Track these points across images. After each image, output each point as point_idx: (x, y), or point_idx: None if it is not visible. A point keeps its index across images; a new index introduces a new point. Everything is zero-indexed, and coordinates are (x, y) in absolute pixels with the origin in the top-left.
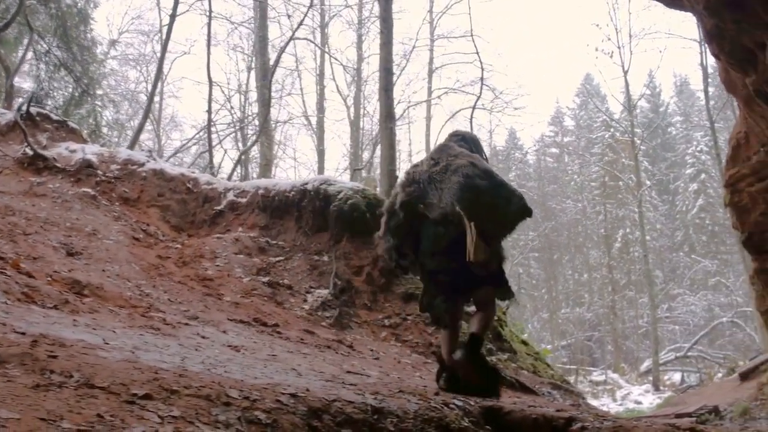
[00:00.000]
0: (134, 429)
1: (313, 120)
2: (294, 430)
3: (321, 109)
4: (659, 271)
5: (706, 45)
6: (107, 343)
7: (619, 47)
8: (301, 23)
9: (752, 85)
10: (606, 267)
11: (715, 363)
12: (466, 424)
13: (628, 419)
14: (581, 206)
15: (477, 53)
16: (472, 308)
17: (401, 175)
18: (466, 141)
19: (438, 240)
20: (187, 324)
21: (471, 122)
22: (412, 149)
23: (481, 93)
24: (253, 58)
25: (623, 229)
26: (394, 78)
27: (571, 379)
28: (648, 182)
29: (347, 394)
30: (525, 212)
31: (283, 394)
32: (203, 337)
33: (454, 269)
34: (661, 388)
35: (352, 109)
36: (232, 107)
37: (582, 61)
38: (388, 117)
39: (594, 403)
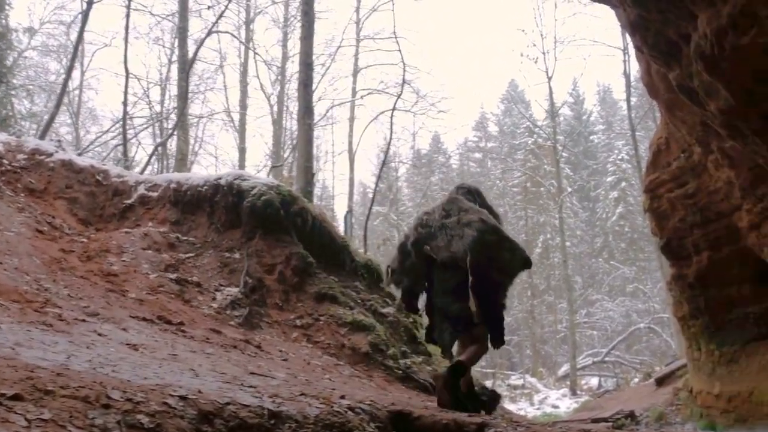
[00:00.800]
0: None
1: (236, 117)
2: None
3: (244, 106)
4: (578, 277)
5: (629, 37)
6: None
7: (543, 53)
8: (221, 15)
9: (675, 79)
10: (526, 272)
11: (631, 368)
12: (371, 430)
13: (542, 424)
14: (503, 211)
15: (400, 52)
16: None
17: (415, 217)
18: (471, 194)
19: (446, 282)
20: (84, 321)
21: (391, 123)
22: (335, 149)
23: (401, 92)
24: (174, 51)
25: (544, 235)
26: (318, 77)
27: (490, 383)
28: (569, 189)
29: (244, 396)
30: (526, 264)
31: (172, 396)
32: (100, 335)
33: (459, 308)
34: (579, 392)
35: (275, 108)
36: (150, 101)
37: (507, 66)
38: (306, 113)
39: (511, 407)
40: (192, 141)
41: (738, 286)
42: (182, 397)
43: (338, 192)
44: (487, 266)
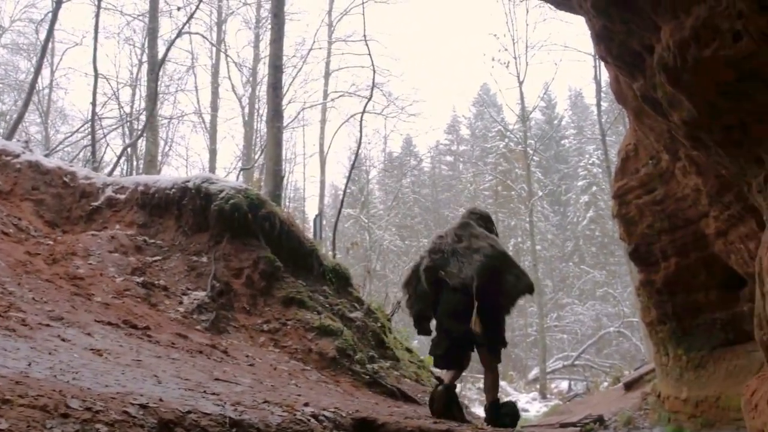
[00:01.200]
0: None
1: (207, 118)
2: None
3: (215, 107)
4: (549, 281)
5: (595, 48)
6: None
7: (515, 58)
8: (191, 16)
9: (639, 90)
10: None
11: (601, 372)
12: None
13: (509, 430)
14: None
15: (369, 55)
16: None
17: (429, 241)
18: (483, 219)
19: (455, 305)
20: (48, 325)
21: (360, 126)
22: (306, 151)
23: (371, 96)
24: (145, 51)
25: (515, 239)
26: (290, 78)
27: (460, 385)
28: (540, 193)
29: (206, 405)
30: (529, 289)
31: (132, 404)
32: (63, 340)
33: (464, 330)
34: (549, 396)
35: (246, 109)
36: (120, 102)
37: (479, 70)
38: (275, 116)
39: (481, 410)
40: (162, 142)
41: (705, 292)
42: (143, 406)
43: (309, 194)
44: (492, 290)
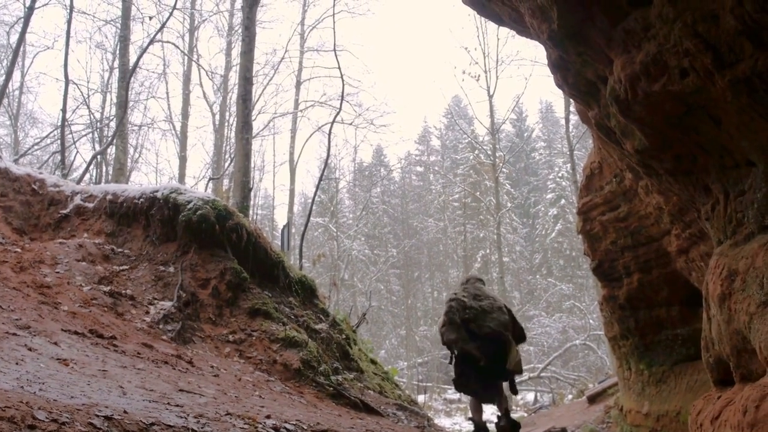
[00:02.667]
0: None
1: (177, 125)
2: None
3: (185, 115)
4: (517, 292)
5: (553, 76)
6: None
7: (486, 71)
8: (163, 26)
9: (594, 118)
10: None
11: (567, 384)
12: None
13: None
14: (443, 225)
15: (339, 68)
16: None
17: (455, 299)
18: (481, 281)
19: (485, 348)
20: (15, 334)
21: (329, 137)
22: (276, 160)
23: (341, 107)
24: (116, 57)
25: (483, 250)
26: (261, 87)
27: (426, 396)
28: (509, 204)
29: (169, 417)
30: (525, 338)
31: (98, 416)
32: (30, 349)
33: (486, 366)
34: (515, 407)
35: (217, 117)
36: (90, 108)
37: (451, 82)
38: (244, 127)
39: (446, 421)
40: (132, 149)
41: (667, 308)
42: (107, 418)
43: (279, 202)
44: (514, 335)
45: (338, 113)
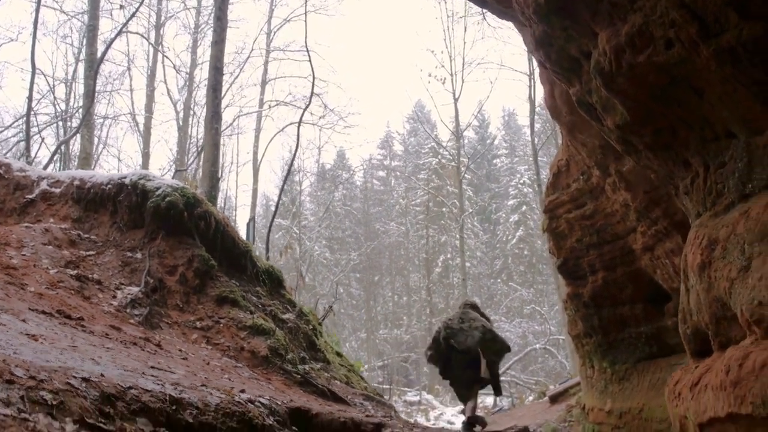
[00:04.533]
0: None
1: (141, 120)
2: (83, 414)
3: (150, 110)
4: (477, 298)
5: (534, 53)
6: None
7: (452, 74)
8: (133, 15)
9: (575, 95)
10: (426, 290)
11: (527, 388)
12: (270, 422)
13: (439, 428)
14: (404, 229)
15: (310, 61)
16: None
17: (443, 322)
18: (474, 307)
19: (462, 360)
20: None
21: (297, 135)
22: (239, 160)
23: (309, 103)
24: (82, 49)
25: (444, 255)
26: (227, 86)
27: (386, 398)
28: (470, 210)
29: (146, 383)
30: (508, 349)
31: (75, 377)
32: None
33: (467, 375)
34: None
35: (181, 114)
36: (55, 98)
37: (415, 86)
38: (214, 117)
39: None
40: (95, 142)
41: (631, 305)
42: (85, 379)
43: (241, 203)
44: (487, 352)
45: (306, 109)
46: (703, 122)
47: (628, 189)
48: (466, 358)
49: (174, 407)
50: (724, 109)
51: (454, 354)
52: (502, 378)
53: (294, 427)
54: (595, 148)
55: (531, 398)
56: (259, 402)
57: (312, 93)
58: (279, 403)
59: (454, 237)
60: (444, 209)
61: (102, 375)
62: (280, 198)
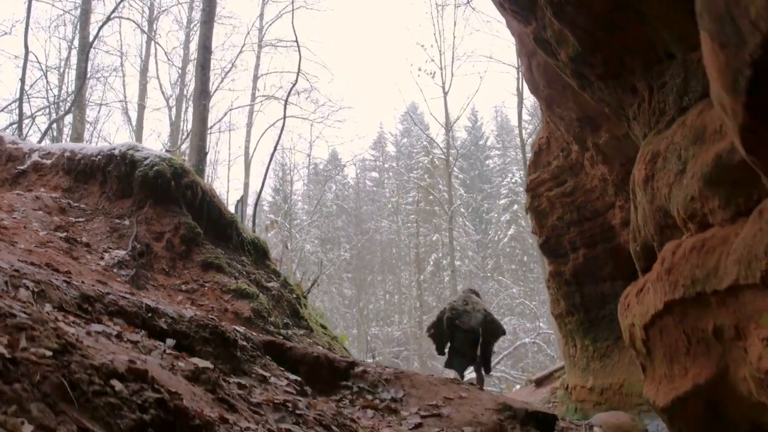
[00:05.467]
0: None
1: (133, 116)
2: (62, 304)
3: (142, 106)
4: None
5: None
6: None
7: (441, 68)
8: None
9: (533, 33)
10: (416, 285)
11: (516, 383)
12: (243, 342)
13: (413, 372)
14: (396, 227)
15: (296, 40)
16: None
17: (449, 304)
18: (475, 293)
19: (464, 340)
20: None
21: (284, 113)
22: (231, 153)
23: (297, 79)
24: (75, 38)
25: (436, 253)
26: (219, 80)
27: None
28: (462, 208)
29: (123, 293)
30: (503, 332)
31: (57, 279)
32: None
33: (467, 351)
34: None
35: (173, 110)
36: (48, 83)
37: (407, 81)
38: (202, 93)
39: None
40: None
41: (611, 282)
42: (66, 281)
43: (233, 200)
44: (486, 333)
45: (295, 83)
46: (646, 47)
47: (605, 162)
48: (469, 337)
49: (150, 314)
50: (664, 30)
51: (457, 333)
52: (492, 373)
53: (268, 356)
54: (573, 122)
55: (519, 386)
56: (236, 330)
57: (299, 70)
58: (254, 335)
59: (445, 235)
60: (436, 208)
61: (83, 282)
62: (267, 170)
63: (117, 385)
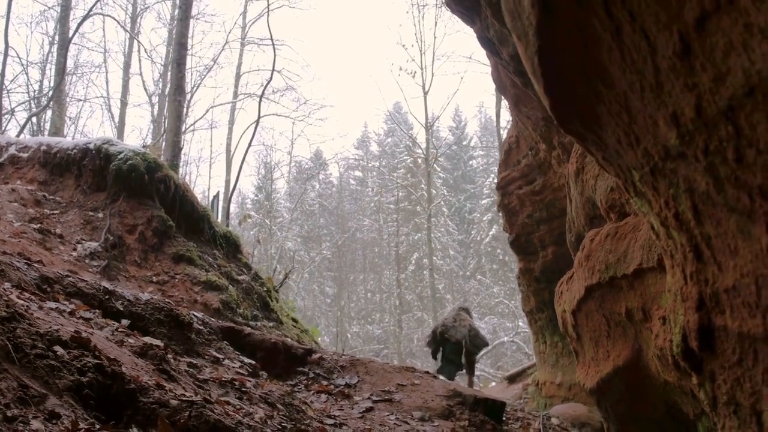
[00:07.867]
0: None
1: (116, 112)
2: (20, 283)
3: (124, 103)
4: (449, 295)
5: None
6: None
7: (422, 68)
8: None
9: (477, 32)
10: (396, 283)
11: (493, 380)
12: (199, 327)
13: (369, 359)
14: (378, 226)
15: (271, 37)
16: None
17: (442, 320)
18: (465, 310)
19: (453, 350)
20: None
21: (260, 102)
22: (213, 150)
23: (271, 78)
24: (56, 34)
25: (418, 252)
26: (202, 78)
27: None
28: (444, 209)
29: (84, 275)
30: (486, 345)
31: (19, 261)
32: None
33: (454, 360)
34: None
35: (156, 108)
36: (29, 78)
37: (388, 81)
38: (177, 90)
39: None
40: (67, 122)
41: None
42: (27, 264)
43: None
44: (470, 345)
45: (269, 81)
46: None
47: (570, 161)
48: (456, 347)
49: (107, 296)
50: None
51: (447, 344)
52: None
53: (225, 341)
54: (539, 121)
55: (494, 384)
56: (194, 315)
57: (273, 68)
58: (212, 321)
59: (426, 234)
60: (418, 207)
61: (43, 264)
62: (242, 166)
63: (59, 350)
